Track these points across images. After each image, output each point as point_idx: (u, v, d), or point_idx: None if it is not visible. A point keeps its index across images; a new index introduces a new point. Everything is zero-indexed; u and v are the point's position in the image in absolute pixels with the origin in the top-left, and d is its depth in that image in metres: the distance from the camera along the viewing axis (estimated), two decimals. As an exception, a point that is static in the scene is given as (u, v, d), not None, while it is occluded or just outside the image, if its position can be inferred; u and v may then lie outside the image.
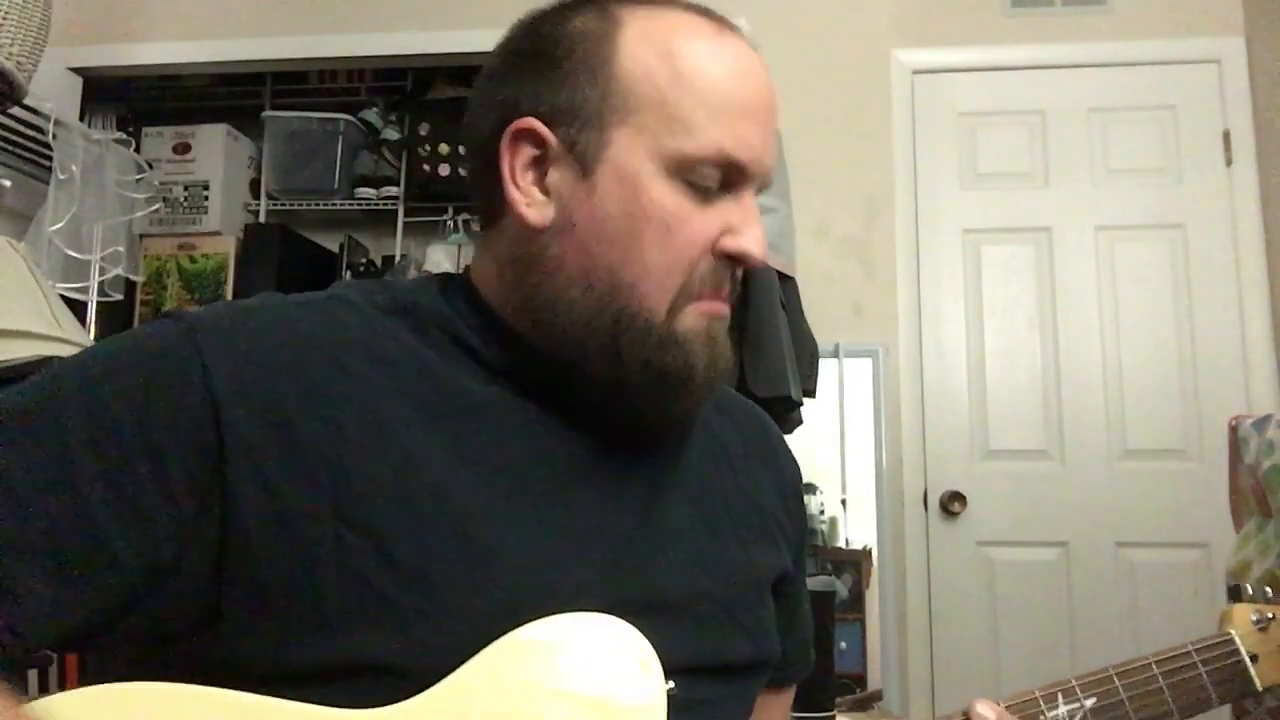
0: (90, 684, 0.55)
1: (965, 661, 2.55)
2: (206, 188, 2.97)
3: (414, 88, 3.14)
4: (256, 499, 0.57)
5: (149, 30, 2.93)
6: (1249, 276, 2.61)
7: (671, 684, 0.60)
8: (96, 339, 2.36)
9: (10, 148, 2.42)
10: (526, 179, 0.66)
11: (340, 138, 3.03)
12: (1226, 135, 2.67)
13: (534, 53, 0.68)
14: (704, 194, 0.65)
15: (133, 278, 2.78)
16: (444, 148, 2.91)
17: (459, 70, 2.99)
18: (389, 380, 0.63)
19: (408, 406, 0.63)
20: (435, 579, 0.59)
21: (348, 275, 3.00)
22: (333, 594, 0.57)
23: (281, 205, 3.10)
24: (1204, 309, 2.61)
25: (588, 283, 0.65)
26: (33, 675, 1.63)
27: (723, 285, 0.68)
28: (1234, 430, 1.52)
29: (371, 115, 3.07)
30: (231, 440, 0.57)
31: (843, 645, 2.33)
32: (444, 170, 2.92)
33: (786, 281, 2.20)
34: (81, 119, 2.84)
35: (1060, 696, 0.77)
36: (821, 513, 2.52)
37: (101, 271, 2.54)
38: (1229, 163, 2.66)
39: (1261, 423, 1.47)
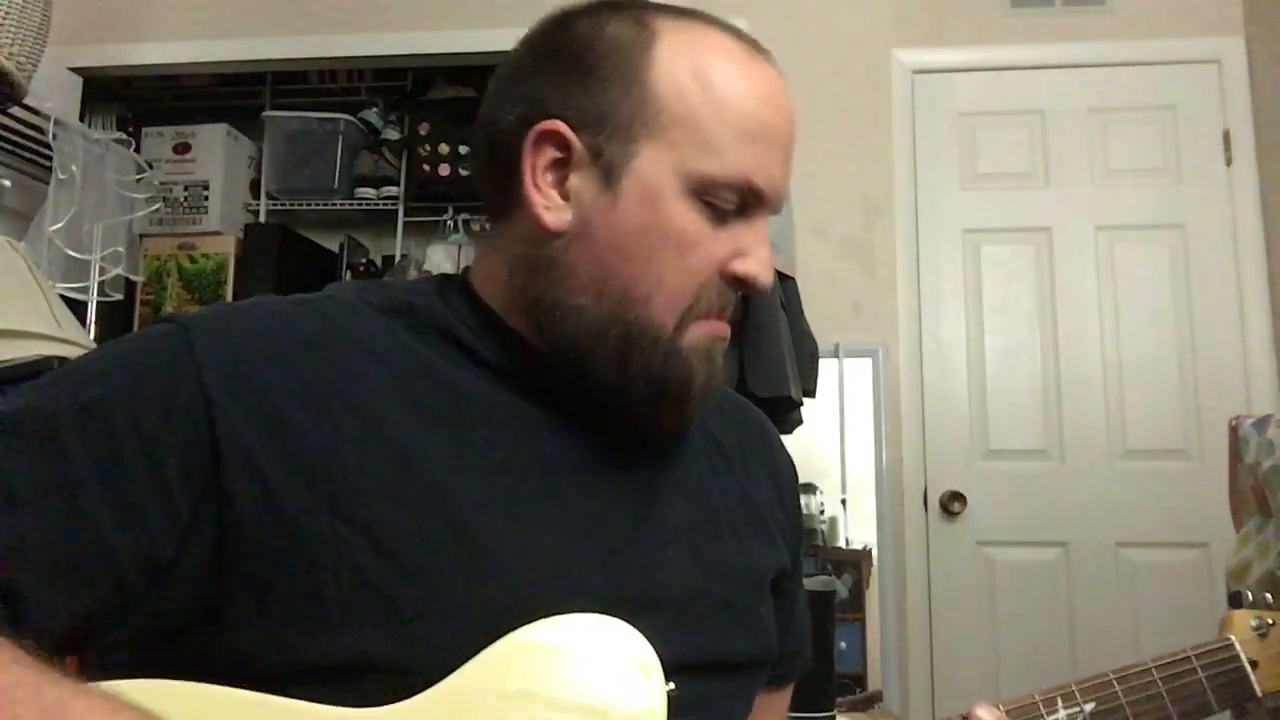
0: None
1: (965, 662, 2.55)
2: (206, 188, 2.97)
3: (414, 88, 3.14)
4: (253, 496, 0.57)
5: (149, 30, 2.93)
6: (1249, 276, 2.61)
7: (671, 685, 0.60)
8: (96, 339, 2.36)
9: (10, 148, 2.42)
10: (546, 181, 0.66)
11: (340, 138, 3.03)
12: (1226, 135, 2.67)
13: (565, 54, 0.67)
14: (720, 216, 0.66)
15: (133, 278, 2.78)
16: (444, 148, 2.91)
17: (459, 70, 2.99)
18: (385, 379, 0.63)
19: (404, 405, 0.63)
20: (434, 577, 0.59)
21: (348, 275, 3.00)
22: (331, 591, 0.57)
23: (281, 205, 3.10)
24: (1204, 309, 2.61)
25: (599, 292, 0.65)
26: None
27: (727, 308, 0.68)
28: (1234, 430, 1.52)
29: (371, 115, 3.07)
30: (226, 437, 0.58)
31: (843, 645, 2.33)
32: (444, 170, 2.92)
33: (786, 281, 2.20)
34: (81, 119, 2.84)
35: (1060, 701, 0.77)
36: (821, 513, 2.52)
37: (101, 271, 2.53)
38: (1229, 163, 2.66)
39: (1261, 423, 1.47)
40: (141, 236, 2.89)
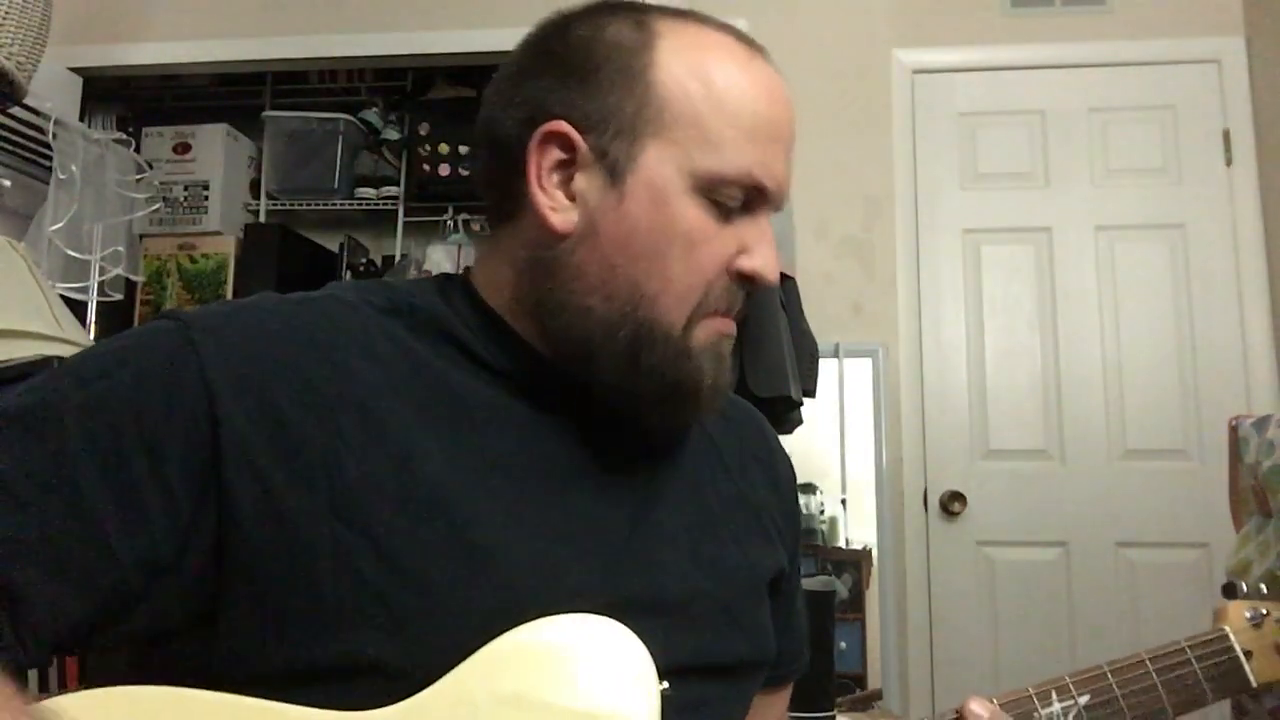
0: (90, 685, 0.54)
1: (965, 661, 2.55)
2: (206, 188, 2.97)
3: (414, 88, 3.13)
4: (253, 496, 0.57)
5: (149, 30, 2.93)
6: (1249, 276, 2.61)
7: (665, 684, 0.60)
8: (96, 339, 2.35)
9: (10, 148, 2.42)
10: (552, 182, 0.66)
11: (340, 138, 3.03)
12: (1226, 135, 2.67)
13: (565, 57, 0.67)
14: (725, 213, 0.66)
15: (133, 278, 2.78)
16: (444, 147, 2.91)
17: (459, 70, 2.99)
18: (385, 379, 0.63)
19: (404, 405, 0.63)
20: (432, 578, 0.59)
21: (348, 275, 3.00)
22: (329, 592, 0.57)
23: (281, 205, 3.10)
24: (1204, 309, 2.61)
25: (607, 292, 0.65)
26: (33, 675, 1.63)
27: (734, 306, 0.68)
28: (1234, 430, 1.52)
29: (371, 115, 3.07)
30: (227, 436, 0.57)
31: (843, 645, 2.33)
32: (444, 170, 2.92)
33: (786, 281, 2.20)
34: (81, 119, 2.83)
35: (1054, 694, 0.77)
36: (821, 513, 2.52)
37: (101, 271, 2.53)
38: (1229, 163, 2.66)
39: (1261, 423, 1.47)
40: (141, 236, 2.89)
